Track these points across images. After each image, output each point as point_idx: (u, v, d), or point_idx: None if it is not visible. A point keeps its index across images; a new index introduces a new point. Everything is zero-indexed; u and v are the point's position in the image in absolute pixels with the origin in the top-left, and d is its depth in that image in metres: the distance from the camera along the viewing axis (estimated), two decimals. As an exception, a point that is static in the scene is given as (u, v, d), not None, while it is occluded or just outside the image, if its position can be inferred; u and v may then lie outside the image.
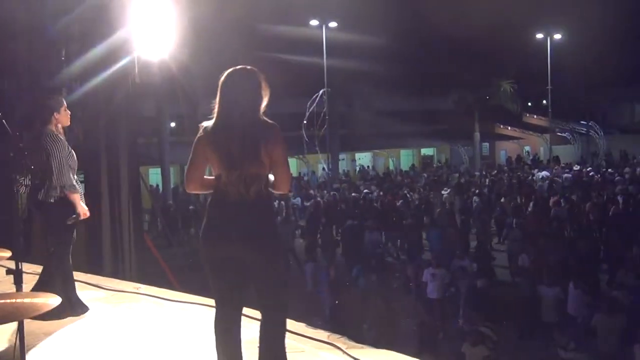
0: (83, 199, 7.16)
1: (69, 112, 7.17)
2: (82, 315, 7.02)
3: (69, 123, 7.19)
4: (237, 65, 4.61)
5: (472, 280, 17.34)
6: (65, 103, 7.14)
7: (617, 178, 36.24)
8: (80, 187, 7.15)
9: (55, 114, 6.98)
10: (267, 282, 4.60)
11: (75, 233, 7.10)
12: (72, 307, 6.98)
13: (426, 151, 62.78)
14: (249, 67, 4.59)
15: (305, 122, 41.15)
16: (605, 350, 12.84)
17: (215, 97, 4.56)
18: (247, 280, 4.64)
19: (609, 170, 41.72)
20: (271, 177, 4.59)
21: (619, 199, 28.06)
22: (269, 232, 4.53)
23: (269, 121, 4.50)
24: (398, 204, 29.49)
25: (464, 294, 16.79)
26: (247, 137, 4.38)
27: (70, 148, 7.02)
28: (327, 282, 17.69)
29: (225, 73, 4.55)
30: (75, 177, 7.07)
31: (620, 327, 12.97)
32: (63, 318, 6.88)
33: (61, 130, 7.04)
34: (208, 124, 4.55)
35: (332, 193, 33.72)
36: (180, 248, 26.23)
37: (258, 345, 4.72)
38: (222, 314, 4.70)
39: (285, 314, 4.73)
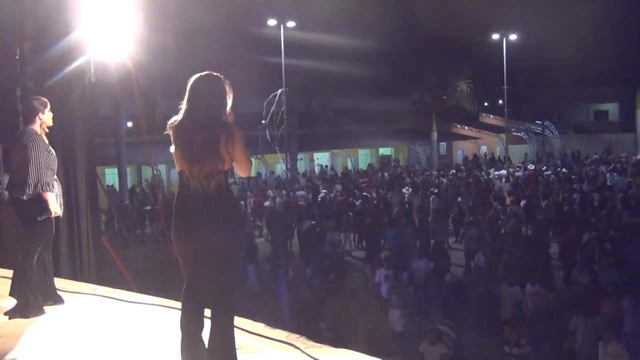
0: (61, 198, 7.27)
1: (52, 114, 7.26)
2: (36, 318, 6.95)
3: (52, 124, 7.28)
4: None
5: (429, 280, 17.52)
6: (49, 104, 7.22)
7: (573, 177, 36.86)
8: (58, 186, 7.23)
9: (39, 114, 7.09)
10: (220, 271, 4.94)
11: (52, 234, 7.17)
12: (28, 309, 6.92)
13: (384, 151, 62.99)
14: (215, 73, 5.00)
15: (263, 121, 41.07)
16: (586, 352, 12.90)
17: (181, 98, 4.94)
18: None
19: (564, 170, 42.31)
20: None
21: (574, 197, 28.54)
22: (230, 223, 4.88)
23: (230, 122, 4.92)
24: (357, 203, 29.62)
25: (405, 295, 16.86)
26: (208, 134, 4.78)
27: (50, 148, 7.10)
28: (285, 282, 17.70)
29: (194, 77, 4.95)
30: (55, 177, 7.12)
31: (600, 328, 13.04)
32: (12, 319, 6.88)
33: (44, 131, 7.14)
34: (175, 119, 4.94)
35: (297, 193, 33.77)
36: (137, 249, 26.10)
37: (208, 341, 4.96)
38: (186, 294, 5.06)
39: (232, 306, 5.03)
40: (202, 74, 4.98)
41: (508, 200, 28.64)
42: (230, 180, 5.06)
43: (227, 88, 5.01)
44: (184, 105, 4.92)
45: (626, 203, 27.53)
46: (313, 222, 24.67)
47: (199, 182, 4.82)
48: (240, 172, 5.07)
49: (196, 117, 4.85)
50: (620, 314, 13.95)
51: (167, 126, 4.95)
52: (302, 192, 34.17)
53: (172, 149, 4.95)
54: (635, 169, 41.25)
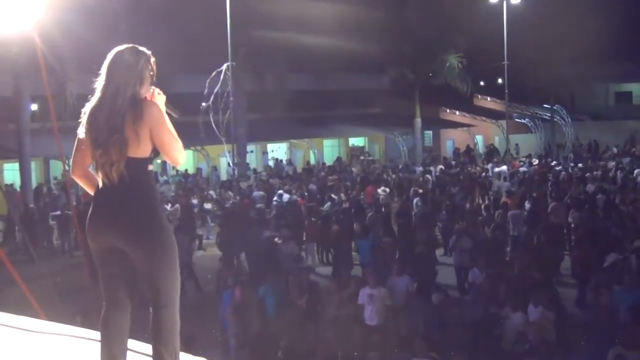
0: None
1: None
2: None
3: None
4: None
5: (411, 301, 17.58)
6: None
7: (587, 175, 37.17)
8: None
9: None
10: (146, 278, 5.02)
11: None
12: None
13: (356, 141, 63.04)
14: (141, 48, 5.17)
15: (203, 104, 40.84)
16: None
17: (98, 74, 5.08)
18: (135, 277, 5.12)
19: (579, 165, 42.70)
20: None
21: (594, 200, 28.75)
22: (140, 222, 4.96)
23: (145, 99, 5.07)
24: (325, 207, 29.69)
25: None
26: (114, 113, 4.91)
27: None
28: (231, 306, 17.64)
29: (113, 51, 5.10)
30: None
31: None
32: None
33: None
34: (88, 105, 5.06)
35: (254, 194, 33.87)
36: (44, 264, 25.84)
37: None
38: (107, 313, 5.17)
39: (169, 315, 5.06)
40: (122, 47, 5.14)
41: (508, 203, 28.86)
42: (163, 178, 5.10)
43: (151, 65, 5.18)
44: (99, 83, 5.08)
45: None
46: (269, 233, 24.72)
47: (103, 171, 4.97)
48: (167, 159, 5.18)
49: (106, 95, 5.01)
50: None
51: (82, 112, 5.07)
52: (261, 193, 34.28)
53: (80, 132, 5.07)
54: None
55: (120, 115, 4.90)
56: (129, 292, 5.17)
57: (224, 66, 38.60)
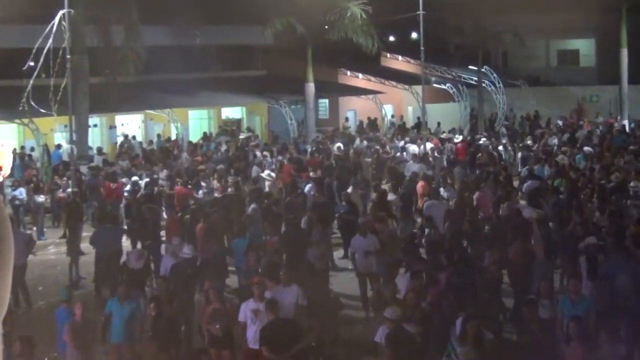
0: None
1: None
2: None
3: None
4: None
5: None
6: None
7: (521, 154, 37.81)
8: None
9: None
10: None
11: None
12: None
13: (230, 112, 62.72)
14: None
15: (31, 64, 40.10)
16: None
17: None
18: None
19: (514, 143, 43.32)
20: None
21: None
22: None
23: None
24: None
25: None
26: None
27: None
28: (69, 328, 17.34)
29: None
30: None
31: None
32: None
33: None
34: None
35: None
36: None
37: None
38: None
39: None
40: None
41: (419, 187, 29.14)
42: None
43: None
44: None
45: (608, 195, 28.22)
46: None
47: None
48: None
49: None
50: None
51: None
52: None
53: None
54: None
55: None
56: None
57: (59, 14, 38.04)
